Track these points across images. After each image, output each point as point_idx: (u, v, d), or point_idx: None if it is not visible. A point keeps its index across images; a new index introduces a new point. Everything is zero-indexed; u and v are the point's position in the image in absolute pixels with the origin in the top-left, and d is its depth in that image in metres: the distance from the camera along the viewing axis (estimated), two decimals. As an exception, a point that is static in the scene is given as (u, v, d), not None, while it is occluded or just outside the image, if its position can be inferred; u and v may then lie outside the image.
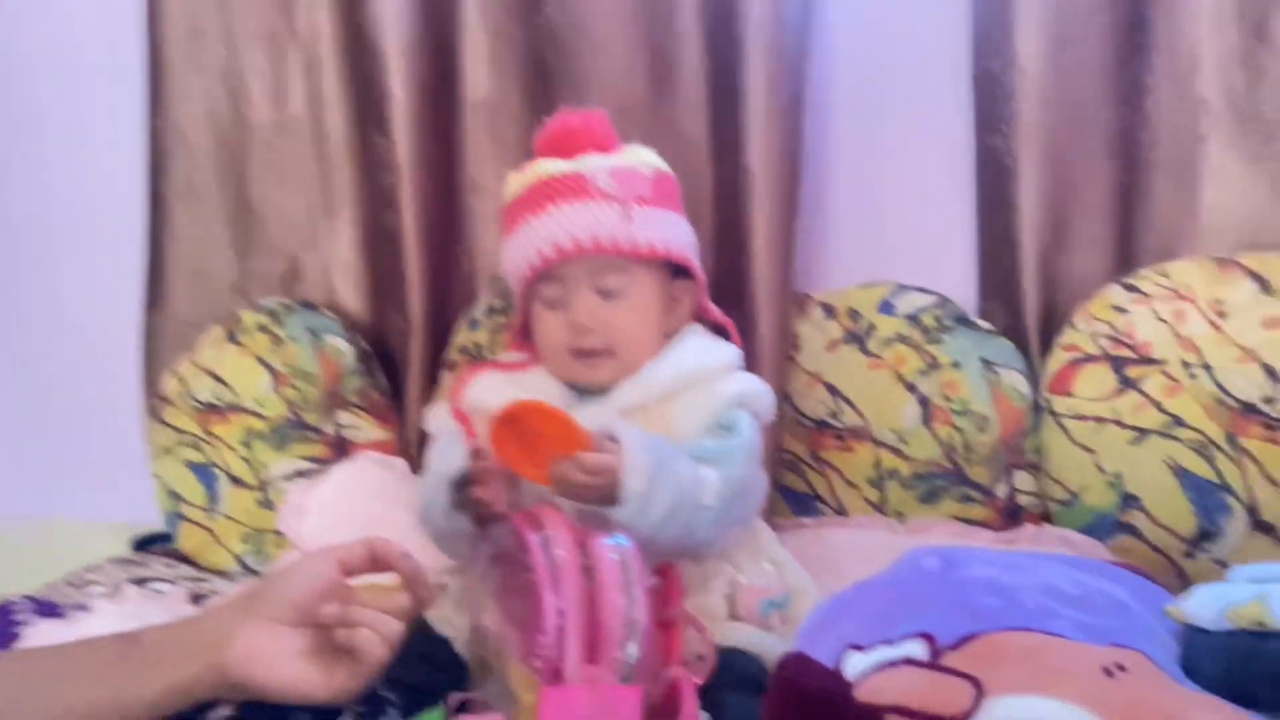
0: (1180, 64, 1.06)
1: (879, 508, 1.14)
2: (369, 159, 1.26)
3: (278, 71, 1.30)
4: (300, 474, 1.25)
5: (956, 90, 1.14)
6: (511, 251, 0.95)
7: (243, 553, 1.28)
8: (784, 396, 1.15)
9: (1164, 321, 1.05)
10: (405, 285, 1.24)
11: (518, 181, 0.97)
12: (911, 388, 1.13)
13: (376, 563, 0.66)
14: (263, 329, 1.30)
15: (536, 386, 0.94)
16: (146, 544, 1.34)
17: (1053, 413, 1.09)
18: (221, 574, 1.27)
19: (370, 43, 1.22)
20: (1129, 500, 1.05)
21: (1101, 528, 1.06)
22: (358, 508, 1.17)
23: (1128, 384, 1.06)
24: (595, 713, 0.68)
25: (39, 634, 0.99)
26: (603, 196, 0.91)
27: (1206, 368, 1.03)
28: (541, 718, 0.67)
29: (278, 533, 1.22)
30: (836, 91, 1.18)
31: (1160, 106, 1.07)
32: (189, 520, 1.30)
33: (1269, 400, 1.00)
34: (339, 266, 1.30)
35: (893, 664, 0.58)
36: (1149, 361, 1.05)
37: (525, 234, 0.93)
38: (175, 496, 1.31)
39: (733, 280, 1.12)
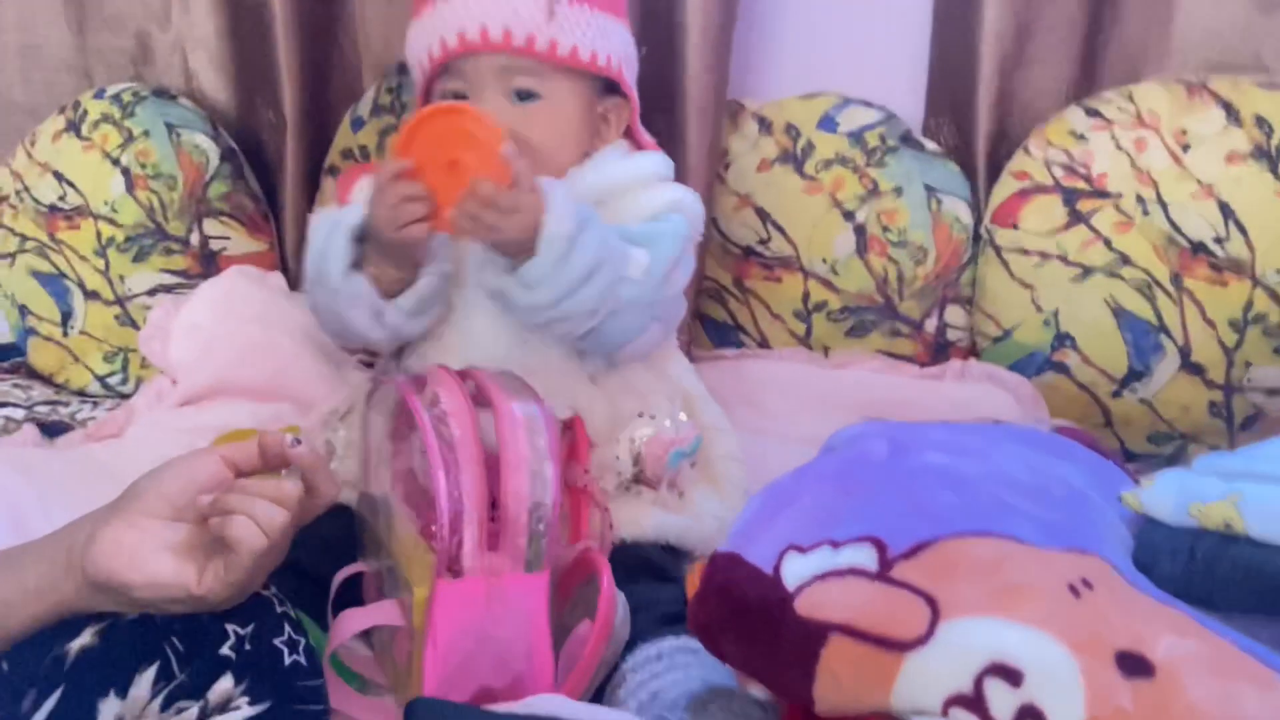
0: None
1: (803, 340, 1.09)
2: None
3: None
4: (164, 289, 1.14)
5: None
6: (413, 39, 0.85)
7: (105, 373, 1.17)
8: (710, 220, 1.08)
9: (1123, 151, 0.99)
10: (277, 73, 1.13)
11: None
12: (849, 215, 1.06)
13: (267, 458, 0.57)
14: (110, 120, 1.15)
15: None
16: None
17: (994, 245, 1.04)
18: (82, 394, 1.17)
19: None
20: (1062, 338, 1.02)
21: (1030, 364, 1.04)
22: (231, 331, 1.06)
23: (1077, 218, 1.01)
24: (495, 607, 0.62)
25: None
26: None
27: (1161, 204, 0.98)
28: (435, 614, 0.61)
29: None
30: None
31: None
32: (41, 336, 1.19)
33: (1219, 240, 0.97)
34: (198, 47, 1.18)
35: (838, 573, 0.52)
36: (1102, 195, 1.00)
37: (430, 18, 0.82)
38: (24, 310, 1.18)
39: (659, 85, 1.02)
